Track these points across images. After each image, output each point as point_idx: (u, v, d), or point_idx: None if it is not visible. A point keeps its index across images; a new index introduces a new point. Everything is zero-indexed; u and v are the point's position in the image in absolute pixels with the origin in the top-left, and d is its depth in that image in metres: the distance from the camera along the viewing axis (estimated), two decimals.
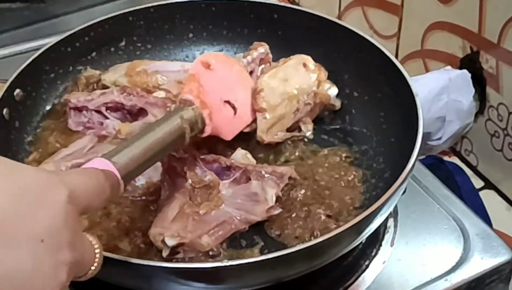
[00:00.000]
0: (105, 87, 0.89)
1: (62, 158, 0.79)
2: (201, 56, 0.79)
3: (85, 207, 0.50)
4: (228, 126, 0.77)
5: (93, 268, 0.51)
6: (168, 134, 0.68)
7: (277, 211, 0.73)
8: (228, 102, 0.77)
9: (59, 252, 0.45)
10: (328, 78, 0.85)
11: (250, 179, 0.74)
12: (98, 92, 0.85)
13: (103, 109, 0.84)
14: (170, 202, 0.72)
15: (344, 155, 0.81)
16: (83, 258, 0.49)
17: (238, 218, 0.72)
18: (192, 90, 0.73)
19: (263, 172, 0.75)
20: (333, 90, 0.85)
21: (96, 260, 0.51)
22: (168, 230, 0.68)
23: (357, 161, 0.81)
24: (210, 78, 0.75)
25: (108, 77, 0.90)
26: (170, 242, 0.67)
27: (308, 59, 0.85)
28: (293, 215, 0.73)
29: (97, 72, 0.91)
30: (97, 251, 0.51)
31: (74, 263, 0.47)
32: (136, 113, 0.83)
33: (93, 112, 0.84)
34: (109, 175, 0.55)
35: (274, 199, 0.73)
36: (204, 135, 0.74)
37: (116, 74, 0.90)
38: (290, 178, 0.76)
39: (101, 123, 0.83)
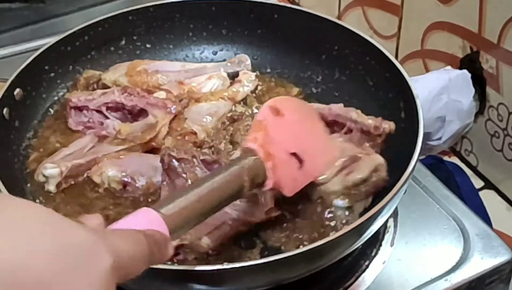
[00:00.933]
0: (105, 86, 0.89)
1: (62, 158, 0.79)
2: (271, 101, 0.71)
3: (124, 276, 0.45)
4: (291, 181, 0.69)
5: None
6: (226, 184, 0.61)
7: (277, 213, 0.73)
8: (294, 154, 0.69)
9: None
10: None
11: None
12: (99, 91, 0.85)
13: (103, 109, 0.83)
14: None
15: None
16: None
17: (238, 219, 0.71)
18: (257, 138, 0.66)
19: None
20: None
21: None
22: None
23: None
24: (278, 126, 0.68)
25: (109, 76, 0.90)
26: None
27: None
28: (292, 217, 0.73)
29: (97, 72, 0.91)
30: None
31: None
32: (136, 114, 0.83)
33: (94, 111, 0.84)
34: (154, 237, 0.49)
35: (273, 201, 0.72)
36: (265, 189, 0.67)
37: (116, 73, 0.90)
38: None
39: (102, 123, 0.83)
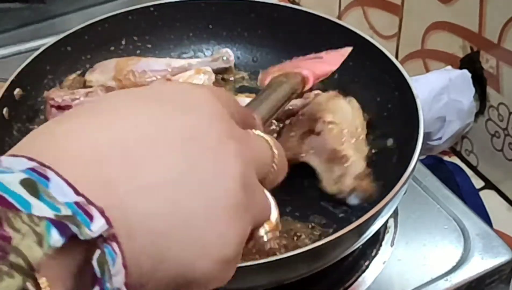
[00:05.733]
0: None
1: None
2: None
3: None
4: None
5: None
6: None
7: None
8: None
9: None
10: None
11: None
12: (82, 91, 0.84)
13: None
14: None
15: None
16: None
17: None
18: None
19: None
20: None
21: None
22: None
23: None
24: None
25: (95, 78, 0.89)
26: None
27: None
28: (291, 218, 0.73)
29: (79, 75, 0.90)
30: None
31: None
32: None
33: None
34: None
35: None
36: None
37: (103, 76, 0.89)
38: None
39: None
